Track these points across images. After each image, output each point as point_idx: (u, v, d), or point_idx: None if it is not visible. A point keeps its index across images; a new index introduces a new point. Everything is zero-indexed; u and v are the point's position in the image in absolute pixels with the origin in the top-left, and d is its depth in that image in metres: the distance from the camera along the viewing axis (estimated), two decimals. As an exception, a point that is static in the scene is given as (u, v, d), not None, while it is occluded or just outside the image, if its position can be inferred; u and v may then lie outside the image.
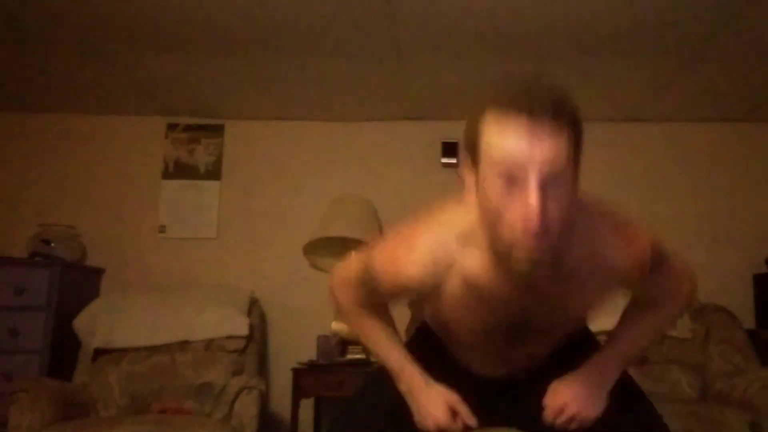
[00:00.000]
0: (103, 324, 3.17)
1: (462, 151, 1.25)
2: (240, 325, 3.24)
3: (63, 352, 3.22)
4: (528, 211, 0.96)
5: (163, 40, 2.89)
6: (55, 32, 2.83)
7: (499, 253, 1.06)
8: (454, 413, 1.33)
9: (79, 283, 3.48)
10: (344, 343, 3.32)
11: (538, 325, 1.25)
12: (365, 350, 3.41)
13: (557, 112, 0.98)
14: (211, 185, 3.79)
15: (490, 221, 1.04)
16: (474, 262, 1.16)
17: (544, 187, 0.96)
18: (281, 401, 3.36)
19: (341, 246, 3.46)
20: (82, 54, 3.05)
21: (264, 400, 2.93)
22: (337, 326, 3.34)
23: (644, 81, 3.24)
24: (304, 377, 3.09)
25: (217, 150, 3.83)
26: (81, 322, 3.20)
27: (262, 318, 3.51)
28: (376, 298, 1.34)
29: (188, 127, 3.85)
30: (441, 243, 1.19)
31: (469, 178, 1.10)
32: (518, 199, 0.98)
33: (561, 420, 1.26)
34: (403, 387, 1.36)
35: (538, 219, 0.96)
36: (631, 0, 2.50)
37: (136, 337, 3.16)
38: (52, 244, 3.45)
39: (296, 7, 2.59)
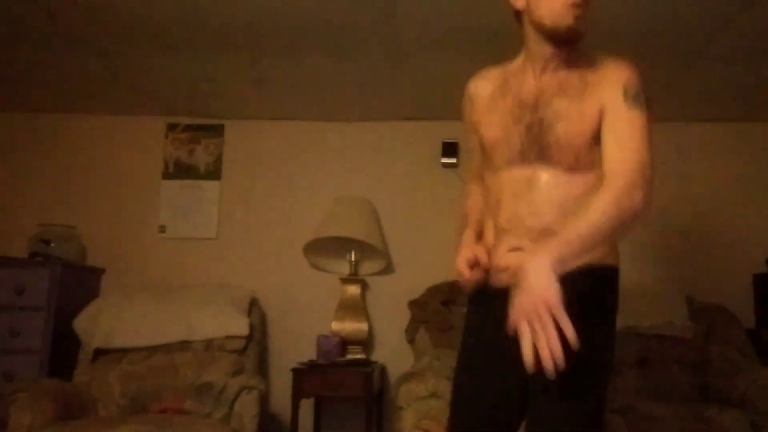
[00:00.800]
0: (103, 324, 3.17)
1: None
2: (240, 325, 3.24)
3: (63, 352, 3.22)
4: None
5: (163, 40, 2.89)
6: (55, 32, 2.83)
7: (551, 28, 1.51)
8: (472, 266, 1.58)
9: (79, 283, 3.48)
10: (344, 343, 3.32)
11: (545, 138, 1.50)
12: (365, 350, 3.42)
13: None
14: (211, 185, 3.80)
15: (547, 3, 1.49)
16: (507, 69, 1.63)
17: None
18: (281, 401, 3.36)
19: (341, 246, 3.46)
20: (82, 54, 3.05)
21: (264, 400, 2.93)
22: (337, 326, 3.35)
23: (644, 81, 3.24)
24: (304, 377, 3.09)
25: (217, 150, 3.84)
26: (81, 322, 3.21)
27: (262, 318, 3.51)
28: (477, 154, 1.70)
29: (188, 127, 3.85)
30: (487, 69, 1.70)
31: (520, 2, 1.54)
32: None
33: (505, 276, 1.50)
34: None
35: None
36: (631, 0, 2.50)
37: (136, 337, 3.16)
38: (52, 244, 3.45)
39: (296, 7, 2.59)
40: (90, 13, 2.67)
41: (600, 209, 1.38)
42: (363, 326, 3.38)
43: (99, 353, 3.15)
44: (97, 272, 3.66)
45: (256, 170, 3.81)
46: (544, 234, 1.46)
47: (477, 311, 1.65)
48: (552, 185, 1.50)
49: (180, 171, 3.81)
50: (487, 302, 1.59)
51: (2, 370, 3.10)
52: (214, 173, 3.81)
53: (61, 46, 2.96)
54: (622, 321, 3.21)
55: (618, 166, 1.43)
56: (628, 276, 3.84)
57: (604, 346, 1.51)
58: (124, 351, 3.15)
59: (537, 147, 1.51)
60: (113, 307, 3.26)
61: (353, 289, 3.45)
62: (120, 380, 3.05)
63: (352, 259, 3.47)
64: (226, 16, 2.67)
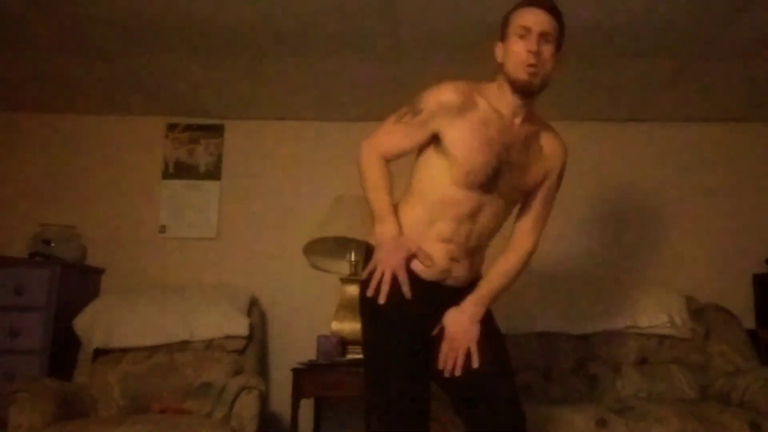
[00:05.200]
0: (103, 324, 3.17)
1: (497, 36, 1.83)
2: (240, 325, 3.24)
3: (63, 352, 3.22)
4: (531, 47, 1.71)
5: (164, 40, 2.89)
6: (55, 32, 2.84)
7: (513, 80, 1.75)
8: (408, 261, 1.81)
9: (79, 283, 3.48)
10: (344, 343, 3.31)
11: (507, 176, 1.79)
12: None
13: (553, 8, 1.76)
14: (211, 185, 3.80)
15: (512, 61, 1.74)
16: (488, 107, 1.79)
17: (540, 40, 1.72)
18: (281, 401, 3.36)
19: (341, 246, 3.46)
20: (83, 54, 3.05)
21: (264, 400, 2.93)
22: (337, 326, 3.34)
23: (644, 81, 3.24)
24: (304, 377, 3.09)
25: (217, 150, 3.84)
26: (81, 322, 3.21)
27: (262, 318, 3.52)
28: (404, 138, 1.87)
29: (188, 127, 3.85)
30: (470, 87, 1.81)
31: (498, 50, 1.80)
32: (527, 43, 1.72)
33: (442, 274, 1.82)
34: (377, 229, 1.84)
35: (536, 51, 1.71)
36: (631, 0, 2.50)
37: (136, 337, 3.17)
38: (52, 244, 3.45)
39: (296, 7, 2.59)
40: (90, 14, 2.67)
41: (511, 275, 1.88)
42: (363, 326, 3.37)
43: (99, 353, 3.15)
44: (97, 272, 3.66)
45: (256, 170, 3.81)
46: (474, 249, 1.86)
47: (408, 302, 1.79)
48: (496, 212, 1.84)
49: (180, 171, 3.81)
50: (421, 294, 1.80)
51: (2, 370, 3.10)
52: (214, 173, 3.81)
53: (61, 46, 2.96)
54: (622, 321, 3.24)
55: (530, 239, 1.90)
56: (628, 276, 3.85)
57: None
58: (124, 351, 3.15)
59: (501, 183, 1.79)
60: (113, 307, 3.26)
61: (353, 289, 3.44)
62: (120, 380, 3.05)
63: (352, 259, 3.46)
64: (227, 17, 2.67)
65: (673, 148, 3.76)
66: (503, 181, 1.79)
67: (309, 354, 3.30)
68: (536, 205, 1.89)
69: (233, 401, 2.82)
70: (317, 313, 3.50)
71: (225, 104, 3.67)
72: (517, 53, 1.72)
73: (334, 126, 3.81)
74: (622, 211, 3.70)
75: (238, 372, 3.07)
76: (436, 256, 1.81)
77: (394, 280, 1.78)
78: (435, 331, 1.82)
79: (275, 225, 3.75)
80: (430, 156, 1.85)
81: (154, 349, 3.16)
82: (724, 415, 2.60)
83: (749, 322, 3.42)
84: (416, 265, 1.82)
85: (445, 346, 1.79)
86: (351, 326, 3.37)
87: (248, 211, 3.77)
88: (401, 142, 1.88)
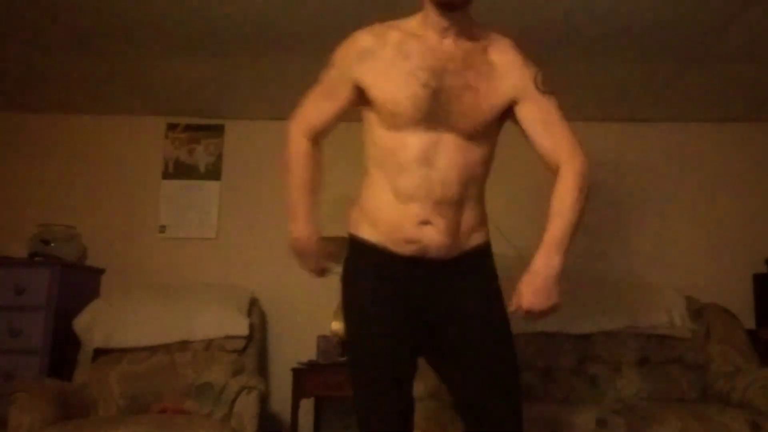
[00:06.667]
0: (103, 324, 3.17)
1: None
2: (240, 325, 3.24)
3: (63, 352, 3.22)
4: None
5: (164, 41, 2.89)
6: (55, 32, 2.84)
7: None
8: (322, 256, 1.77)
9: (79, 283, 3.48)
10: (344, 343, 3.31)
11: (449, 104, 1.55)
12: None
13: None
14: (211, 185, 3.80)
15: None
16: (406, 36, 1.61)
17: None
18: (281, 401, 3.36)
19: (341, 246, 3.46)
20: (83, 54, 3.05)
21: (264, 400, 2.93)
22: (337, 326, 3.34)
23: (644, 81, 3.24)
24: (304, 377, 3.09)
25: (217, 150, 3.84)
26: (81, 322, 3.21)
27: (262, 318, 3.51)
28: (326, 100, 1.73)
29: (188, 127, 3.85)
30: (386, 26, 1.68)
31: None
32: None
33: (530, 316, 1.58)
34: (288, 227, 1.82)
35: None
36: (630, 0, 2.50)
37: (136, 337, 3.16)
38: (52, 244, 3.45)
39: (296, 7, 2.59)
40: (90, 14, 2.67)
41: (575, 207, 1.59)
42: (363, 326, 3.37)
43: (99, 353, 3.15)
44: (97, 272, 3.66)
45: (256, 170, 3.80)
46: (447, 204, 1.58)
47: (379, 281, 1.65)
48: (455, 150, 1.58)
49: (180, 171, 3.81)
50: (401, 277, 1.62)
51: (2, 370, 3.10)
52: (214, 173, 3.81)
53: (61, 46, 2.96)
54: (622, 321, 3.24)
55: (563, 154, 1.61)
56: (628, 276, 3.85)
57: None
58: (124, 351, 3.15)
59: (443, 113, 1.56)
60: (113, 307, 3.26)
61: (353, 289, 3.45)
62: (120, 380, 3.05)
63: (352, 259, 3.47)
64: (227, 17, 2.67)
65: (673, 148, 3.76)
66: (445, 112, 1.56)
67: (309, 354, 3.30)
68: (536, 129, 1.62)
69: (233, 401, 2.82)
70: (317, 313, 3.49)
71: (225, 104, 3.67)
72: None
73: (334, 126, 3.80)
74: (622, 211, 3.70)
75: (238, 372, 3.07)
76: (403, 224, 1.59)
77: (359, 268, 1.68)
78: (511, 308, 1.60)
79: (275, 225, 3.73)
80: (367, 122, 1.69)
81: (154, 349, 3.16)
82: (724, 415, 2.60)
83: (749, 322, 3.42)
84: (376, 235, 1.66)
85: (526, 317, 1.58)
86: (351, 326, 3.37)
87: (248, 211, 3.77)
88: (324, 105, 1.74)
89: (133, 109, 3.76)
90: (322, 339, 3.22)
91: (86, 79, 3.34)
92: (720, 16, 2.60)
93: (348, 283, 1.73)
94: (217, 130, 3.85)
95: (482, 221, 1.70)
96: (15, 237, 3.61)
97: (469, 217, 1.64)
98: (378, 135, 1.64)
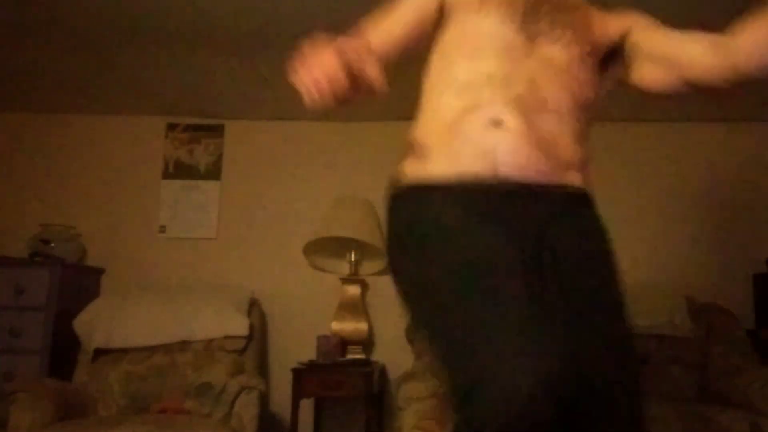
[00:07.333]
0: (103, 324, 3.17)
1: None
2: (240, 325, 3.24)
3: (63, 352, 3.22)
4: None
5: (163, 40, 2.89)
6: (55, 32, 2.84)
7: None
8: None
9: (79, 283, 3.48)
10: (344, 343, 3.32)
11: (548, 13, 1.30)
12: (365, 350, 3.41)
13: None
14: (211, 185, 3.80)
15: None
16: None
17: None
18: (281, 401, 3.36)
19: (341, 246, 3.46)
20: (83, 54, 3.05)
21: (264, 400, 2.93)
22: (337, 326, 3.34)
23: (644, 81, 3.24)
24: (304, 377, 3.09)
25: (217, 150, 3.84)
26: (81, 322, 3.21)
27: (262, 318, 3.51)
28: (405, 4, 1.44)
29: (188, 127, 3.85)
30: None
31: None
32: None
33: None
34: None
35: None
36: (630, 0, 2.50)
37: (136, 337, 3.17)
38: (52, 244, 3.45)
39: (296, 7, 2.59)
40: (90, 13, 2.67)
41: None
42: (363, 326, 3.38)
43: (99, 353, 3.15)
44: (97, 272, 3.66)
45: (256, 170, 3.81)
46: (544, 116, 1.25)
47: (465, 215, 1.20)
48: (557, 65, 1.29)
49: (180, 171, 3.81)
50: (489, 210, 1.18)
51: (2, 370, 3.10)
52: (214, 173, 3.81)
53: (61, 46, 2.96)
54: (622, 321, 3.23)
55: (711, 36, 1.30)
56: (628, 276, 3.83)
57: None
58: (124, 351, 3.15)
59: (545, 21, 1.31)
60: (113, 307, 3.26)
61: (353, 289, 3.45)
62: (120, 380, 3.05)
63: (352, 259, 3.47)
64: (227, 17, 2.67)
65: (673, 147, 3.76)
66: (547, 18, 1.30)
67: (309, 354, 3.30)
68: (669, 36, 1.46)
69: (233, 401, 2.82)
70: (317, 313, 3.50)
71: (225, 104, 3.67)
72: None
73: (334, 126, 3.80)
74: (622, 211, 3.70)
75: (238, 372, 3.07)
76: (470, 132, 1.22)
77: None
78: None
79: (275, 225, 3.75)
80: (435, 51, 1.44)
81: (154, 349, 3.16)
82: (724, 415, 2.61)
83: (749, 322, 3.42)
84: (432, 167, 1.25)
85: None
86: (351, 326, 3.38)
87: (248, 211, 3.77)
88: (402, 9, 1.48)
89: (133, 109, 3.76)
90: (322, 339, 3.22)
91: (86, 79, 3.34)
92: (720, 16, 2.59)
93: (410, 237, 1.25)
94: (217, 130, 3.85)
95: (585, 160, 1.34)
96: (15, 237, 3.61)
97: (574, 144, 1.32)
98: (452, 47, 1.39)
